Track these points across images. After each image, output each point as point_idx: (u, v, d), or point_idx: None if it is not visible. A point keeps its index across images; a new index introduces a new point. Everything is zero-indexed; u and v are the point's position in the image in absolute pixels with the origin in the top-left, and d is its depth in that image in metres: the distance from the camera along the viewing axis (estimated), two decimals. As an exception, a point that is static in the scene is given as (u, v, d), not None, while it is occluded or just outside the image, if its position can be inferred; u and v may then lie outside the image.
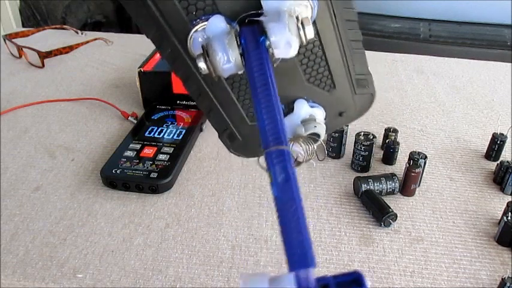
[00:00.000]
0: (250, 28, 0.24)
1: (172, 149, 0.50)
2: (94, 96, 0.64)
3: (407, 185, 0.46)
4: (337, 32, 0.28)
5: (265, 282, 0.16)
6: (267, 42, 0.24)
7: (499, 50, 1.26)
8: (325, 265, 0.39)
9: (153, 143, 0.51)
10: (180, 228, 0.42)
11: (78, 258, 0.39)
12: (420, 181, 0.48)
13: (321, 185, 0.48)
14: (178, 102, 0.60)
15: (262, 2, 0.24)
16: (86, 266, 0.38)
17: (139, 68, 0.59)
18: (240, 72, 0.25)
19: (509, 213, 0.41)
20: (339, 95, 0.32)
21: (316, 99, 0.31)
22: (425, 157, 0.47)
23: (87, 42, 0.82)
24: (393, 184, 0.46)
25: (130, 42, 0.85)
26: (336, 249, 0.41)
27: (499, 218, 0.44)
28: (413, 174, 0.45)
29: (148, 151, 0.50)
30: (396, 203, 0.46)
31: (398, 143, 0.51)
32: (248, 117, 0.31)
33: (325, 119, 0.32)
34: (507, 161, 0.48)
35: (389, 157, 0.51)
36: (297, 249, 0.17)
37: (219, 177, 0.49)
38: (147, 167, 0.47)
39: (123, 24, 1.92)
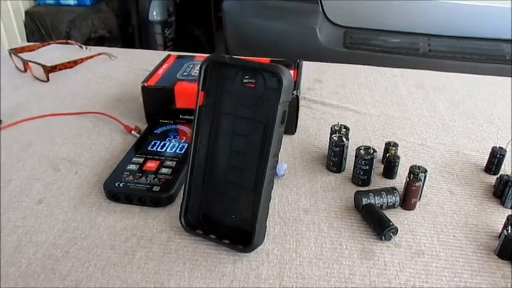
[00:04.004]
0: None
1: (175, 163, 0.51)
2: (98, 110, 0.65)
3: (407, 199, 0.47)
4: None
5: None
6: None
7: (497, 64, 1.27)
8: (326, 278, 0.39)
9: (156, 157, 0.52)
10: (182, 242, 0.43)
11: (81, 270, 0.39)
12: (420, 195, 0.48)
13: (322, 198, 0.49)
14: (181, 116, 0.60)
15: None
16: (88, 278, 0.39)
17: (142, 82, 0.60)
18: None
19: (510, 226, 0.41)
20: None
21: None
22: (426, 171, 0.48)
23: (92, 57, 0.84)
24: (394, 198, 0.46)
25: (134, 57, 0.86)
26: (337, 263, 0.41)
27: (500, 231, 0.44)
28: (413, 188, 0.46)
29: (151, 165, 0.50)
30: (397, 216, 0.46)
31: (398, 157, 0.51)
32: None
33: None
34: (507, 175, 0.48)
35: (389, 171, 0.52)
36: None
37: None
38: (150, 181, 0.48)
39: (126, 39, 1.95)
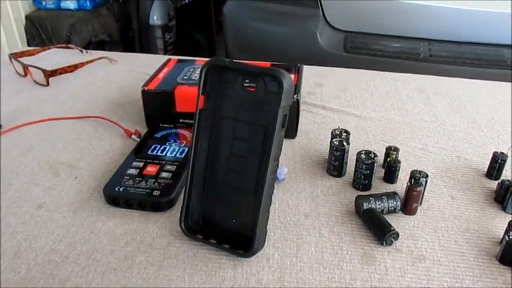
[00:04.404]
0: None
1: (175, 167, 0.50)
2: (98, 114, 0.65)
3: (408, 204, 0.46)
4: None
5: None
6: None
7: (498, 69, 1.27)
8: (327, 283, 0.39)
9: (156, 161, 0.51)
10: (182, 247, 0.42)
11: (80, 276, 0.39)
12: (421, 200, 0.48)
13: (323, 203, 0.49)
14: (181, 120, 0.60)
15: None
16: (88, 284, 0.38)
17: (142, 86, 0.60)
18: None
19: (511, 232, 0.41)
20: None
21: None
22: (427, 176, 0.47)
23: (92, 61, 0.84)
24: (395, 203, 0.46)
25: (135, 61, 0.86)
26: (338, 268, 0.40)
27: (501, 237, 0.44)
28: (414, 192, 0.46)
29: (151, 169, 0.50)
30: (398, 221, 0.46)
31: (399, 162, 0.51)
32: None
33: None
34: (508, 180, 0.48)
35: (390, 176, 0.52)
36: None
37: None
38: (150, 185, 0.47)
39: (126, 43, 1.95)
